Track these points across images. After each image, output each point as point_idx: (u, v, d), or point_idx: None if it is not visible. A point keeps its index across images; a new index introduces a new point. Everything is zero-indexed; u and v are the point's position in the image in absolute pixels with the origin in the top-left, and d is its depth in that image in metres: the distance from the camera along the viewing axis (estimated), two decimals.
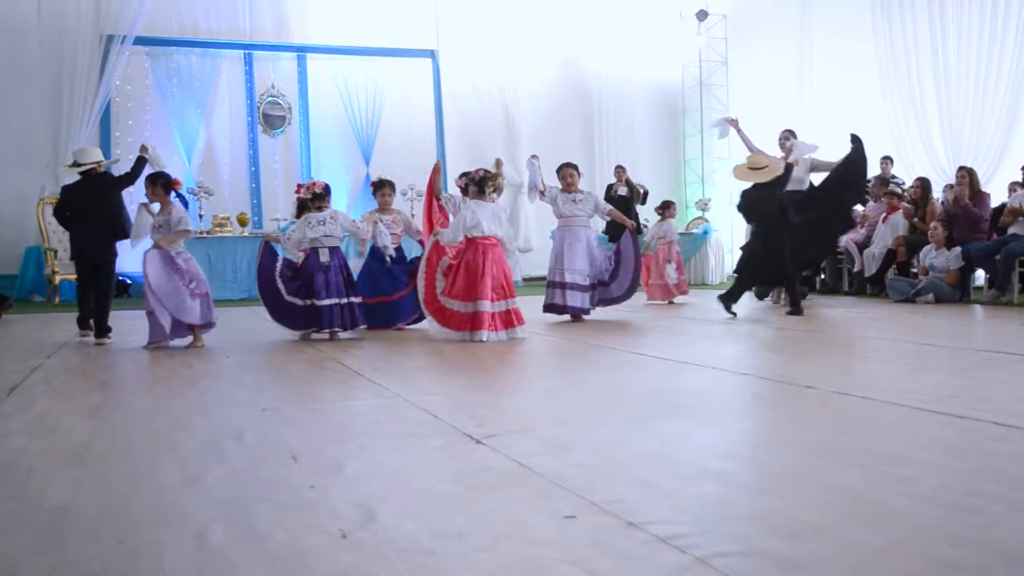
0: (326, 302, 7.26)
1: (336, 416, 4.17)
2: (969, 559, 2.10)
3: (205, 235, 13.33)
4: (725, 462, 3.09)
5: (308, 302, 7.31)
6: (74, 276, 12.72)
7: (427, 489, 2.80)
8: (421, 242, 8.49)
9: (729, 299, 8.81)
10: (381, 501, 2.65)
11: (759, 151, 9.84)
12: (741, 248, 10.26)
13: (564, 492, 2.71)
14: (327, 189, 7.70)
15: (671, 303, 11.10)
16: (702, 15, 17.74)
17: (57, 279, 12.68)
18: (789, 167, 9.13)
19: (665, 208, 11.89)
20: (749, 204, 9.24)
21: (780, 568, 2.06)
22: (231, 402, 4.53)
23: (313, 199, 7.56)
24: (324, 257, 7.36)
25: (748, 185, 9.21)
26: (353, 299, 7.42)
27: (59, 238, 13.32)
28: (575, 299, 8.54)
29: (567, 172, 8.85)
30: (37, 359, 6.39)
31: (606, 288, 8.74)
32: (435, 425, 3.77)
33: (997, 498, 2.57)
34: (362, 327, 7.56)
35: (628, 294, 8.79)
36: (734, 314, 8.68)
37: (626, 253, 8.74)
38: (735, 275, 9.63)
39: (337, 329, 7.36)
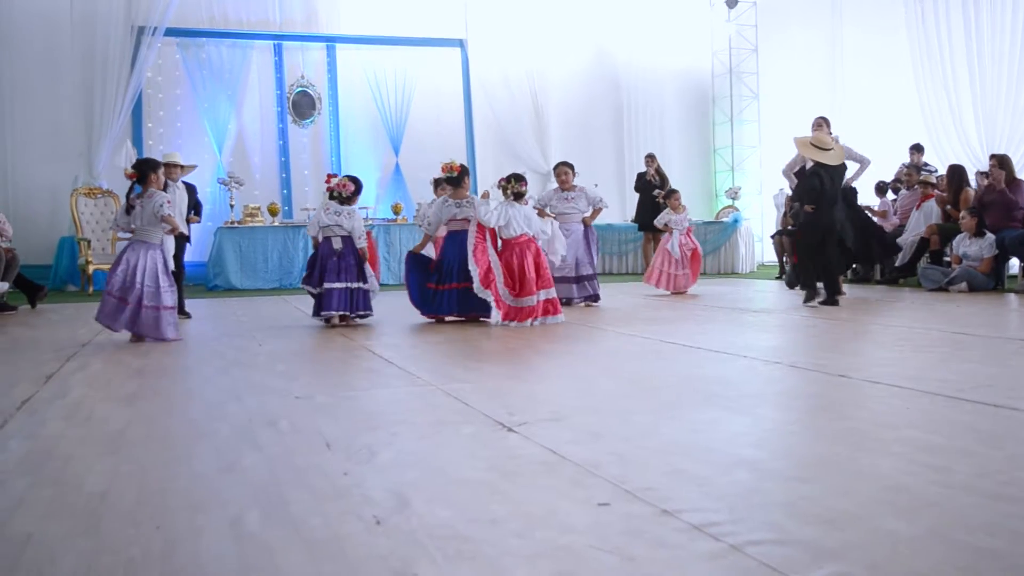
0: (336, 285, 7.55)
1: (368, 404, 4.20)
2: (1007, 548, 2.08)
3: (236, 225, 13.43)
4: (758, 450, 3.08)
5: (320, 288, 7.58)
6: (107, 266, 12.94)
7: (460, 476, 2.82)
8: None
9: (810, 293, 8.67)
10: (415, 488, 2.67)
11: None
12: (787, 234, 10.04)
13: (597, 480, 2.71)
14: (357, 191, 7.98)
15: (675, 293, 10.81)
16: (732, 2, 17.60)
17: (91, 269, 12.78)
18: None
19: (668, 196, 11.64)
20: (822, 184, 8.67)
21: (814, 556, 2.06)
22: (264, 390, 4.56)
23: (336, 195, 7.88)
24: (337, 244, 7.66)
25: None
26: (363, 285, 7.66)
27: (92, 228, 13.47)
28: (562, 290, 8.94)
29: (560, 171, 9.64)
30: (72, 348, 6.46)
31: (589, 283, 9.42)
32: (467, 413, 3.78)
33: None
34: (364, 312, 7.71)
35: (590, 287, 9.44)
36: (816, 304, 8.57)
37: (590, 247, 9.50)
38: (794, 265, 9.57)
39: (346, 312, 7.60)
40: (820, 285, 8.76)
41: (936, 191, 11.70)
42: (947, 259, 11.22)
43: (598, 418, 3.67)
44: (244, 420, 3.76)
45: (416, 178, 15.52)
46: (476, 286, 7.54)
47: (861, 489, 2.58)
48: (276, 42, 15.55)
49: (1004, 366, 4.81)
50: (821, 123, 9.68)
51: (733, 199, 16.77)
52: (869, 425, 3.44)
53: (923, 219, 11.57)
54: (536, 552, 2.14)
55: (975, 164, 12.82)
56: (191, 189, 9.07)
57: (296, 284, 12.93)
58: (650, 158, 14.97)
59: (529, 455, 3.05)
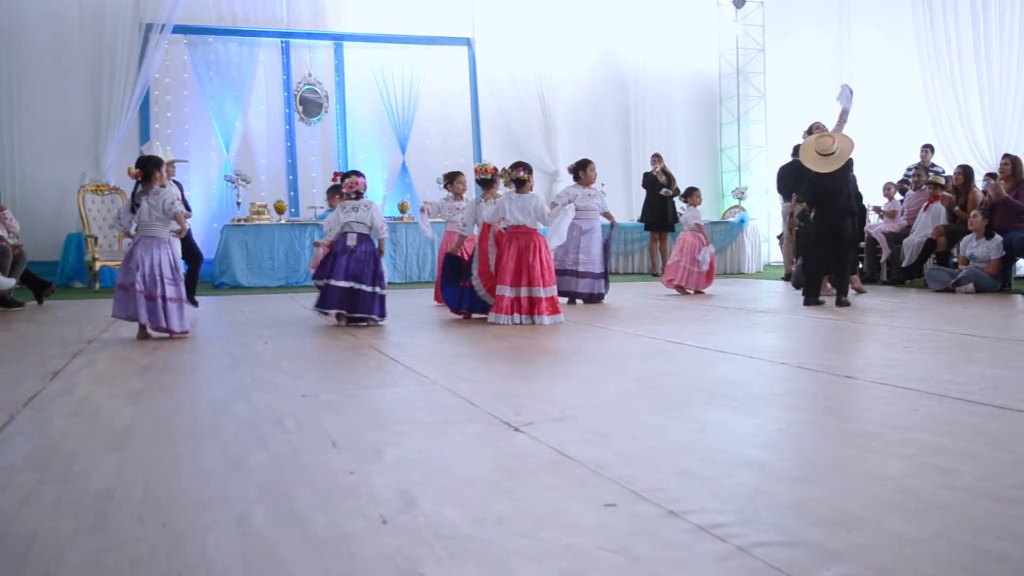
0: (341, 284, 7.30)
1: (374, 402, 4.20)
2: (1015, 551, 2.08)
3: (243, 223, 13.44)
4: (765, 451, 3.07)
5: (324, 282, 7.39)
6: (115, 263, 12.97)
7: (467, 476, 2.81)
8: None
9: (811, 295, 8.67)
10: (421, 487, 2.67)
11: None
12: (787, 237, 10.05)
13: (604, 480, 2.71)
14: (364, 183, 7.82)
15: (697, 292, 10.74)
16: (739, 2, 17.58)
17: (97, 265, 12.79)
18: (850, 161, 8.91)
19: (689, 195, 11.52)
20: (815, 193, 8.78)
21: (821, 558, 2.05)
22: (270, 388, 4.56)
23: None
24: (351, 241, 7.43)
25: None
26: (379, 290, 7.42)
27: (99, 225, 13.49)
28: (586, 285, 9.46)
29: (593, 167, 9.77)
30: (78, 344, 6.47)
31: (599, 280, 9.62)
32: (473, 412, 3.78)
33: None
34: (376, 317, 7.45)
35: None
36: (821, 302, 8.62)
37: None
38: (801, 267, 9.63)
39: (344, 312, 7.33)
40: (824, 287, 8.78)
41: (944, 192, 11.66)
42: (954, 260, 11.20)
43: (605, 418, 3.66)
44: (250, 418, 3.76)
45: (423, 177, 15.56)
46: (475, 284, 7.66)
47: (868, 491, 2.57)
48: (283, 40, 15.57)
49: (1011, 368, 4.80)
50: (821, 128, 9.58)
51: (740, 199, 16.75)
52: (876, 427, 3.43)
53: (930, 220, 11.54)
54: (542, 552, 2.13)
55: (983, 166, 12.79)
56: (179, 187, 9.04)
57: (302, 282, 12.97)
58: (656, 158, 14.97)
59: (535, 455, 3.05)
